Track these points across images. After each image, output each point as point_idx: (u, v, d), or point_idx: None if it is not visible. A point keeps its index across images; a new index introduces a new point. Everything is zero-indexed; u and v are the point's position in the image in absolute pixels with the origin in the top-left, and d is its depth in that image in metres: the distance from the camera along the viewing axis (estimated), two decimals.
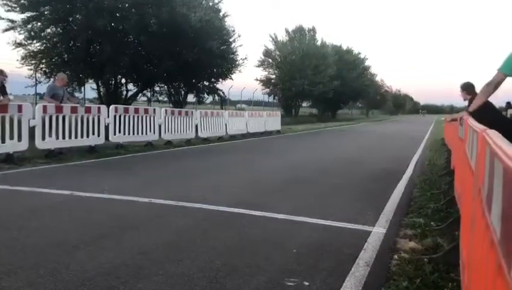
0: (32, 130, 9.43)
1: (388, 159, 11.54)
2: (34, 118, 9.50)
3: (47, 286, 2.90)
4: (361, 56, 59.16)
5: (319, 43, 46.66)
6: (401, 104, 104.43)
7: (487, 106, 5.27)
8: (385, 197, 6.14)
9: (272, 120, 21.88)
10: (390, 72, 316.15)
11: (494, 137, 1.75)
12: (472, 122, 3.96)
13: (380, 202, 5.83)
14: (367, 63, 61.45)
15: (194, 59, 20.40)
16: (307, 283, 3.08)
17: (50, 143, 9.79)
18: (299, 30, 46.14)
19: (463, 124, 5.37)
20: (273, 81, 44.65)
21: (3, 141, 8.77)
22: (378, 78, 75.72)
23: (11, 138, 8.94)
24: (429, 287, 3.01)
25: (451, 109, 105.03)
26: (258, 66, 44.73)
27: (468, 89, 6.99)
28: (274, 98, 46.60)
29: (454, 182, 5.80)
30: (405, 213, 5.31)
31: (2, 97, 8.98)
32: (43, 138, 9.64)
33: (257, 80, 44.38)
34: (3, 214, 4.84)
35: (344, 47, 55.66)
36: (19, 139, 9.10)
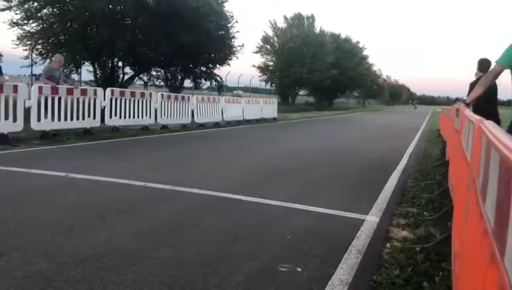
0: (27, 111, 9.37)
1: (383, 149, 11.56)
2: (29, 99, 9.44)
3: (41, 266, 2.91)
4: (360, 45, 59.03)
5: (317, 30, 46.55)
6: (397, 95, 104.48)
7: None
8: (379, 187, 6.17)
9: (268, 107, 21.85)
10: (389, 62, 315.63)
11: (491, 127, 1.76)
12: (468, 113, 3.97)
13: (374, 191, 5.85)
14: (365, 53, 61.33)
15: (191, 42, 20.26)
16: (299, 269, 3.11)
17: (45, 124, 9.75)
18: (298, 17, 45.93)
19: (459, 115, 5.38)
20: (270, 68, 44.54)
21: None
22: (376, 68, 75.60)
23: (6, 118, 8.89)
24: (420, 275, 3.04)
25: (448, 100, 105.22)
26: (256, 52, 44.58)
27: (481, 64, 6.53)
28: (271, 86, 46.55)
29: (448, 173, 5.84)
30: (398, 203, 5.34)
31: None
32: (39, 119, 9.60)
33: (254, 66, 44.27)
34: None
35: (343, 35, 55.51)
36: (14, 119, 9.06)
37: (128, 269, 2.97)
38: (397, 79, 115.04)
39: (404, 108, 71.98)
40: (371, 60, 67.32)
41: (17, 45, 20.46)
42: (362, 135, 16.79)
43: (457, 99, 9.86)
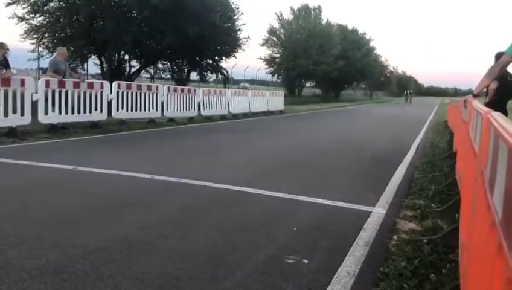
0: (35, 105, 9.42)
1: (390, 141, 11.52)
2: (36, 93, 9.48)
3: (50, 258, 2.94)
4: (367, 36, 58.64)
5: (324, 22, 46.29)
6: (405, 86, 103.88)
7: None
8: (386, 179, 6.15)
9: (274, 100, 21.80)
10: (396, 53, 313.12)
11: (499, 118, 1.74)
12: (476, 104, 3.94)
13: (381, 183, 5.84)
14: (372, 44, 60.96)
15: (197, 33, 20.23)
16: (306, 261, 3.12)
17: (53, 118, 9.81)
18: (304, 9, 45.69)
19: (467, 106, 5.34)
20: (277, 60, 44.40)
21: (6, 115, 8.78)
22: (383, 60, 75.09)
23: (14, 111, 8.95)
24: (427, 267, 3.04)
25: (456, 92, 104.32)
26: (263, 44, 44.47)
27: (499, 57, 6.56)
28: (277, 78, 46.42)
29: (456, 165, 5.81)
30: (406, 195, 5.32)
31: (4, 70, 8.96)
32: (46, 113, 9.65)
33: (261, 58, 44.18)
34: (6, 188, 4.88)
35: (349, 27, 55.19)
36: (22, 113, 9.12)
37: (137, 261, 2.99)
38: (405, 70, 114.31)
39: (413, 99, 66.42)
40: (377, 51, 66.81)
41: (24, 38, 20.55)
42: (369, 126, 16.73)
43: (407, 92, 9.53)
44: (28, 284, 2.58)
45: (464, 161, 4.04)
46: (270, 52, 45.04)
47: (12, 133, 8.74)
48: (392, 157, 8.40)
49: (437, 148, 9.80)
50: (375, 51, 63.76)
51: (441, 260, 3.18)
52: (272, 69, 44.81)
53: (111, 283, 2.64)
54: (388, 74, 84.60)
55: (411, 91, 58.67)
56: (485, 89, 6.18)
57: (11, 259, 2.91)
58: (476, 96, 5.16)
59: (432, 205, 4.76)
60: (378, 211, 4.50)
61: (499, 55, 6.60)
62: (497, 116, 1.91)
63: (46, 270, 2.76)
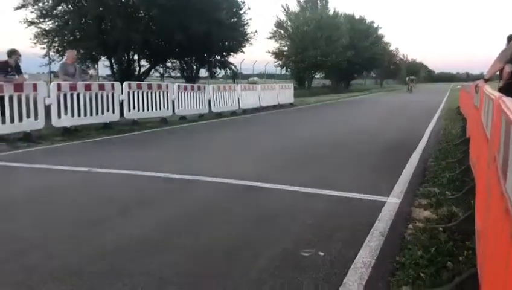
0: (48, 109, 9.54)
1: (402, 129, 11.45)
2: (49, 97, 9.59)
3: (70, 259, 3.00)
4: (374, 25, 58.09)
5: (331, 12, 45.87)
6: (415, 73, 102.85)
7: None
8: (399, 168, 6.12)
9: (284, 93, 21.73)
10: (405, 41, 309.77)
11: (510, 104, 1.73)
12: (487, 89, 3.90)
13: (395, 172, 5.82)
14: (380, 32, 60.36)
15: (204, 32, 20.23)
16: (321, 254, 3.13)
17: (66, 121, 9.91)
18: (311, 0, 45.35)
19: (478, 91, 5.29)
20: (285, 53, 44.20)
21: (21, 120, 8.91)
22: (393, 47, 74.36)
23: (28, 116, 9.07)
24: (444, 255, 3.03)
25: (467, 77, 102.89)
26: (270, 38, 44.29)
27: (510, 39, 6.45)
28: (286, 71, 46.24)
29: (469, 151, 5.76)
30: (420, 183, 5.30)
31: (17, 76, 9.07)
32: (59, 116, 9.75)
33: (269, 52, 44.01)
34: (24, 192, 4.96)
35: (357, 16, 54.71)
36: (36, 117, 9.24)
37: (154, 259, 3.03)
38: (414, 58, 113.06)
39: (425, 86, 65.24)
40: (386, 40, 66.12)
41: (34, 43, 20.74)
42: (380, 115, 16.62)
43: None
44: (49, 285, 2.63)
45: (477, 147, 4.01)
46: (278, 45, 44.87)
47: (27, 138, 8.86)
48: (404, 145, 8.35)
49: (450, 135, 9.72)
50: (383, 39, 63.17)
51: (458, 248, 3.17)
52: (280, 62, 44.67)
53: (129, 282, 2.68)
54: (398, 62, 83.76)
55: (412, 77, 49.70)
56: (497, 73, 6.11)
57: (32, 261, 2.97)
58: (487, 80, 5.10)
59: (447, 192, 4.73)
60: (393, 201, 4.49)
61: (510, 38, 6.50)
62: (508, 101, 1.90)
63: (66, 272, 2.81)
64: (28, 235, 3.47)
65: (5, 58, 9.19)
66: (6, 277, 2.73)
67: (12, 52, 9.22)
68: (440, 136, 9.80)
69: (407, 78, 52.32)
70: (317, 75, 50.53)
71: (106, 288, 2.61)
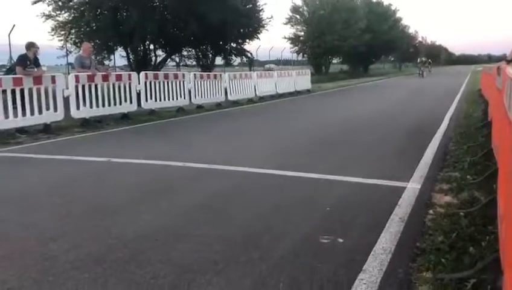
0: (66, 100, 9.65)
1: (422, 113, 11.29)
2: (67, 88, 9.71)
3: (91, 249, 3.04)
4: (392, 7, 57.06)
5: None
6: (435, 56, 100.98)
7: None
8: (420, 152, 6.04)
9: (301, 79, 21.56)
10: (424, 23, 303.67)
11: None
12: (510, 71, 3.80)
13: (415, 157, 5.74)
14: (398, 15, 59.29)
15: (219, 20, 20.14)
16: (341, 240, 3.12)
17: (85, 112, 10.02)
18: None
19: (501, 73, 5.16)
20: (301, 38, 43.75)
21: (41, 112, 9.04)
22: (412, 30, 72.96)
23: (47, 108, 9.20)
24: (465, 240, 2.98)
25: (489, 58, 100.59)
26: (286, 23, 43.84)
27: None
28: (303, 56, 45.81)
29: (491, 134, 5.64)
30: (440, 168, 5.22)
31: (35, 69, 9.19)
32: (78, 108, 9.87)
33: (285, 38, 43.63)
34: (45, 183, 5.05)
35: None
36: (55, 109, 9.37)
37: (174, 247, 3.06)
38: (434, 40, 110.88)
39: (444, 69, 63.68)
40: (405, 22, 64.89)
41: (52, 36, 20.96)
42: (399, 100, 16.39)
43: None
44: (71, 274, 2.68)
45: (499, 130, 3.92)
46: (294, 30, 44.43)
47: (47, 129, 9.01)
48: (424, 130, 8.23)
49: (471, 118, 9.55)
50: (402, 22, 62.04)
51: (480, 233, 3.11)
52: (296, 47, 44.28)
53: (150, 270, 2.71)
54: (417, 45, 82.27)
55: (424, 59, 40.82)
56: None
57: (54, 251, 3.02)
58: (510, 62, 4.97)
59: (468, 176, 4.65)
60: (413, 186, 4.44)
61: None
62: None
63: (88, 261, 2.86)
64: (49, 225, 3.53)
65: (24, 51, 9.30)
66: (30, 267, 2.79)
67: (31, 45, 9.32)
68: (461, 119, 9.63)
69: (418, 60, 42.01)
70: (335, 60, 50.00)
71: (127, 276, 2.64)
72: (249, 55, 27.14)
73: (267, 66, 40.89)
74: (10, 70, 9.88)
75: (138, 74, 11.90)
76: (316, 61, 43.74)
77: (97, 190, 4.71)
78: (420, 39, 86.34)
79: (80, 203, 4.16)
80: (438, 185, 4.46)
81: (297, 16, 44.06)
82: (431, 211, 3.67)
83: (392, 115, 10.88)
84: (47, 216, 3.79)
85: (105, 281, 2.58)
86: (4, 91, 8.37)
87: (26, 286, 2.54)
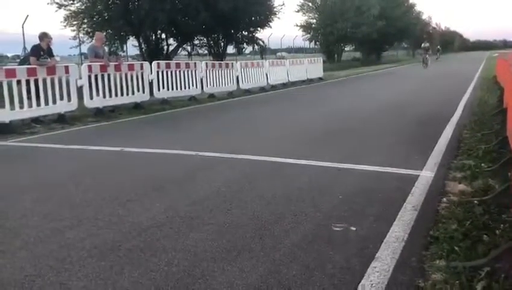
0: (80, 90, 9.73)
1: (436, 101, 11.16)
2: (80, 78, 9.78)
3: (106, 237, 3.09)
4: None
5: None
6: (449, 42, 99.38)
7: None
8: (433, 140, 6.00)
9: (313, 67, 21.43)
10: (440, 8, 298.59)
11: None
12: None
13: (428, 145, 5.70)
14: (412, 1, 58.38)
15: (230, 8, 20.05)
16: (353, 228, 3.12)
17: (98, 102, 10.10)
18: None
19: None
20: (313, 26, 43.39)
21: (55, 102, 9.14)
22: (425, 16, 71.86)
23: (61, 98, 9.29)
24: (479, 229, 2.96)
25: (505, 44, 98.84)
26: (298, 11, 43.47)
27: None
28: (315, 44, 45.47)
29: (506, 122, 5.57)
30: (454, 155, 5.18)
31: (49, 59, 9.26)
32: (91, 97, 9.94)
33: (297, 25, 43.28)
34: (60, 172, 5.12)
35: None
36: (69, 99, 9.46)
37: (187, 235, 3.09)
38: (448, 26, 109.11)
39: (457, 55, 62.29)
40: (418, 8, 63.93)
41: (64, 26, 21.07)
42: (413, 87, 16.22)
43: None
44: (88, 262, 2.73)
45: None
46: (306, 18, 44.07)
47: (61, 119, 9.11)
48: (438, 117, 8.15)
49: (486, 106, 9.42)
50: (415, 8, 61.10)
51: (494, 221, 3.09)
52: (308, 35, 43.94)
53: (165, 258, 2.75)
54: (430, 31, 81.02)
55: (427, 45, 33.58)
56: None
57: (70, 239, 3.08)
58: None
59: (482, 164, 4.61)
60: (426, 174, 4.41)
61: None
62: None
63: (104, 249, 2.91)
64: (64, 214, 3.58)
65: (37, 42, 9.38)
66: (46, 255, 2.84)
67: (44, 36, 9.39)
68: (475, 107, 9.51)
69: (422, 45, 34.95)
70: (347, 48, 49.53)
71: (142, 264, 2.68)
72: (260, 43, 27.04)
73: (278, 54, 40.67)
74: (24, 60, 9.98)
75: (150, 63, 11.94)
76: (328, 49, 43.38)
77: (111, 179, 4.76)
78: (434, 25, 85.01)
79: (94, 192, 4.21)
80: (452, 173, 4.43)
81: (309, 3, 43.65)
82: (444, 199, 3.65)
83: (405, 103, 10.78)
84: (62, 205, 3.84)
85: (120, 269, 2.62)
86: (19, 82, 8.46)
87: (43, 274, 2.59)
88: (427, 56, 31.57)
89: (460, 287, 2.30)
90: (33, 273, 2.59)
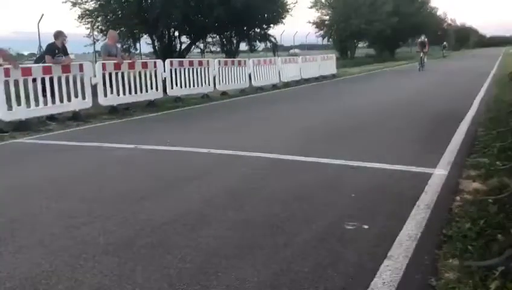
0: (94, 88, 9.82)
1: (451, 98, 11.06)
2: (95, 76, 9.87)
3: (120, 234, 3.13)
4: None
5: None
6: (464, 39, 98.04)
7: None
8: (447, 138, 5.94)
9: (326, 64, 21.31)
10: (454, 4, 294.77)
11: None
12: None
13: (442, 143, 5.65)
14: None
15: (243, 4, 20.03)
16: (366, 227, 3.11)
17: (112, 99, 10.18)
18: None
19: None
20: (326, 22, 43.19)
21: (70, 100, 9.24)
22: (440, 12, 71.01)
23: (76, 96, 9.39)
24: (494, 228, 2.93)
25: None
26: (311, 7, 43.30)
27: None
28: (328, 41, 45.25)
29: None
30: (468, 153, 5.13)
31: (64, 57, 9.36)
32: (105, 95, 10.02)
33: (310, 22, 43.12)
34: (75, 169, 5.19)
35: None
36: (83, 97, 9.55)
37: (200, 232, 3.12)
38: (463, 22, 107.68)
39: (472, 51, 61.75)
40: (433, 4, 63.19)
41: (79, 23, 21.26)
42: (427, 84, 16.07)
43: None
44: (102, 258, 2.76)
45: None
46: (319, 14, 43.88)
47: (76, 117, 9.21)
48: (453, 114, 8.08)
49: (501, 103, 9.28)
50: (429, 4, 60.44)
51: (509, 220, 3.06)
52: (321, 32, 43.76)
53: (178, 254, 2.77)
54: (445, 28, 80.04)
55: (423, 39, 26.21)
56: None
57: (85, 236, 3.12)
58: None
59: (497, 162, 4.55)
60: (440, 172, 4.38)
61: None
62: None
63: (118, 245, 2.94)
64: (78, 211, 3.63)
65: (52, 40, 9.49)
66: (61, 251, 2.88)
67: (59, 34, 9.49)
68: (491, 104, 9.39)
69: (418, 41, 27.94)
70: (361, 44, 49.21)
71: (156, 260, 2.71)
72: (273, 40, 26.97)
73: (291, 51, 40.57)
74: (39, 59, 10.10)
75: (163, 61, 11.99)
76: (341, 46, 43.16)
77: (125, 176, 4.81)
78: (449, 22, 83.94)
79: (108, 189, 4.26)
80: (466, 171, 4.39)
81: (323, 0, 43.46)
82: (458, 198, 3.63)
83: (419, 101, 10.70)
84: (77, 202, 3.90)
85: (134, 265, 2.66)
86: (34, 79, 8.58)
87: (59, 270, 2.63)
88: (421, 55, 24.94)
89: (474, 287, 2.28)
90: (49, 269, 2.64)
